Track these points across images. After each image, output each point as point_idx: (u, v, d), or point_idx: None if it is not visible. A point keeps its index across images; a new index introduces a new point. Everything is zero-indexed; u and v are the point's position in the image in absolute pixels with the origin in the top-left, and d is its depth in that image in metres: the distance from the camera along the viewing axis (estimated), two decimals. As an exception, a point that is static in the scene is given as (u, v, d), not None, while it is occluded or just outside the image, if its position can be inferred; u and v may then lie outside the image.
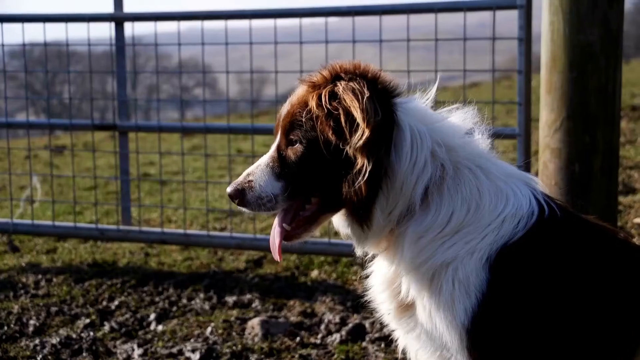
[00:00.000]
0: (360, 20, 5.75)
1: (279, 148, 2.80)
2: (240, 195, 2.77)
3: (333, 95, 2.67)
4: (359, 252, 2.89)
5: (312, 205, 2.81)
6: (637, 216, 6.69)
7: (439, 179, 2.71)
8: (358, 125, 2.60)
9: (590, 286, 2.63)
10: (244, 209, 2.81)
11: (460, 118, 2.87)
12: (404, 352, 3.00)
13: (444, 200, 2.69)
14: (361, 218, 2.69)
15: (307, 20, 6.15)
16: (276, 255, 2.86)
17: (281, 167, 2.77)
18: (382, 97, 2.69)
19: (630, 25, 47.45)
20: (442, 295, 2.65)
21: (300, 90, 2.83)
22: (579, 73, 4.41)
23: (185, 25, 6.55)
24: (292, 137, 2.75)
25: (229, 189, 2.79)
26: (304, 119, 2.71)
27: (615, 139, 4.58)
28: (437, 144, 2.72)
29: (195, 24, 6.33)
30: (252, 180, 2.77)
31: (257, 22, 6.09)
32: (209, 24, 6.49)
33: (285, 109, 2.82)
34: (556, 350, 2.60)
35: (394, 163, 2.67)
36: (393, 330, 2.98)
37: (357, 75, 2.72)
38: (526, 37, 5.15)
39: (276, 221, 2.87)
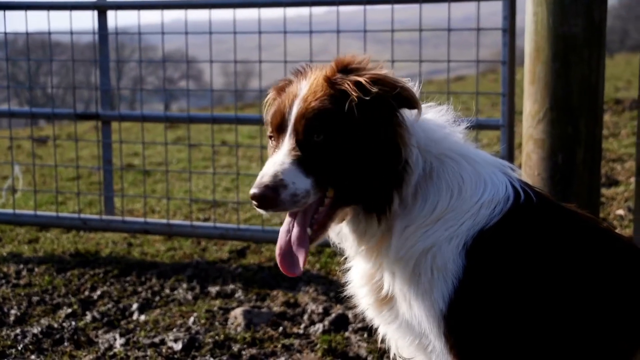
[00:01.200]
0: (346, 13, 5.75)
1: (299, 144, 2.66)
2: (273, 195, 2.59)
3: (375, 82, 2.62)
4: (352, 253, 2.88)
5: (326, 205, 2.73)
6: (620, 208, 6.73)
7: (428, 173, 2.72)
8: (410, 103, 2.65)
9: (563, 270, 2.64)
10: (269, 211, 2.65)
11: (437, 112, 2.89)
12: (383, 342, 3.01)
13: (430, 191, 2.71)
14: (382, 208, 2.68)
15: (292, 13, 6.14)
16: (299, 268, 2.74)
17: (309, 162, 2.64)
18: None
19: (615, 20, 47.69)
20: (421, 283, 2.66)
21: (310, 86, 2.73)
22: (563, 64, 4.41)
23: (170, 16, 6.52)
24: (316, 130, 2.64)
25: (256, 191, 2.60)
26: (334, 111, 2.63)
27: (598, 130, 4.59)
28: (427, 138, 2.75)
29: (181, 15, 6.30)
30: (283, 179, 2.61)
31: (243, 14, 6.08)
32: (194, 16, 6.47)
33: (298, 105, 2.69)
34: (530, 335, 2.61)
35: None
36: (374, 322, 2.99)
37: (367, 67, 2.71)
38: (510, 28, 5.16)
39: (285, 232, 2.77)
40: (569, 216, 2.79)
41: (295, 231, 2.75)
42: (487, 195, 2.70)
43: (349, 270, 3.04)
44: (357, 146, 2.62)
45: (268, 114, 2.84)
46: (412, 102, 2.64)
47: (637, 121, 4.38)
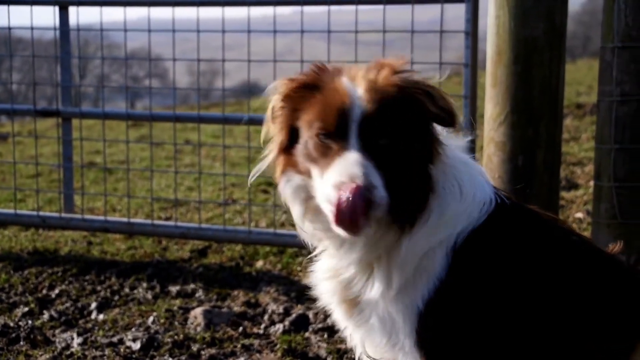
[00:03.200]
0: (314, 14, 5.75)
1: (367, 147, 2.49)
2: (372, 200, 2.41)
3: (442, 98, 2.62)
4: (363, 257, 2.70)
5: None
6: (579, 211, 6.80)
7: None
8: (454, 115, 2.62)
9: (543, 272, 2.67)
10: (359, 223, 2.41)
11: None
12: (344, 342, 2.99)
13: (434, 203, 2.65)
14: (412, 222, 2.60)
15: (259, 13, 6.12)
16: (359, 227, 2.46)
17: (378, 166, 2.47)
18: None
19: (578, 26, 48.26)
20: (407, 282, 2.64)
21: (370, 85, 2.58)
22: (524, 67, 4.44)
23: (137, 14, 6.45)
24: (383, 134, 2.52)
25: (349, 195, 2.37)
26: (400, 116, 2.54)
27: (558, 133, 4.64)
28: None
29: (146, 14, 6.24)
30: (372, 182, 2.42)
31: (209, 13, 6.04)
32: (162, 14, 6.42)
33: (364, 105, 2.53)
34: (506, 335, 2.63)
35: None
36: (337, 323, 2.96)
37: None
38: (472, 31, 5.19)
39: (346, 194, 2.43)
40: (543, 220, 2.82)
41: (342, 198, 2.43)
42: (478, 197, 2.71)
43: (314, 269, 2.97)
44: (411, 155, 2.55)
45: (307, 110, 2.64)
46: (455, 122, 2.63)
47: (596, 125, 4.43)
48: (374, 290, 2.71)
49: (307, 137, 2.61)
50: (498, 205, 2.72)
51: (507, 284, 2.63)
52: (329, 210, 2.47)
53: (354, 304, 2.79)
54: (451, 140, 2.80)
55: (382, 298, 2.69)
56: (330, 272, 2.84)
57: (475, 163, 2.87)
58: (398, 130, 2.53)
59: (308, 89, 2.67)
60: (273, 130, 2.79)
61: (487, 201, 2.70)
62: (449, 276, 2.61)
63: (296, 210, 2.74)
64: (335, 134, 2.53)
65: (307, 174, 2.63)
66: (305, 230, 2.77)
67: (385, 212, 2.48)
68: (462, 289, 2.61)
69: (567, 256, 2.74)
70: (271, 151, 2.81)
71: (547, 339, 2.65)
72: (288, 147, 2.72)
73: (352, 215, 2.37)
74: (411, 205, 2.57)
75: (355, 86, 2.58)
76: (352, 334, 2.90)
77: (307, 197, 2.68)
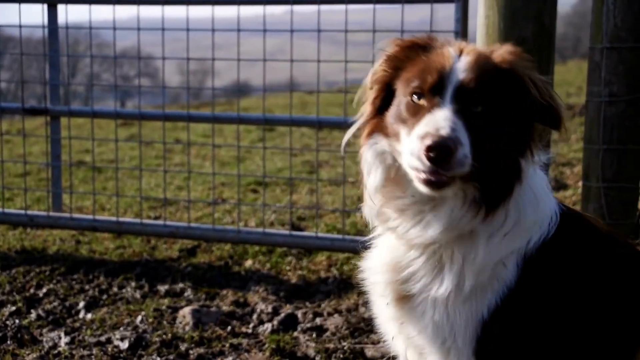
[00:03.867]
0: (305, 14, 5.74)
1: (461, 110, 2.45)
2: (453, 148, 2.36)
3: (547, 89, 2.61)
4: (439, 237, 2.58)
5: None
6: (568, 212, 6.82)
7: None
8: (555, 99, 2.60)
9: (619, 290, 2.67)
10: (439, 169, 2.39)
11: None
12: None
13: (511, 204, 2.59)
14: (496, 204, 2.53)
15: (250, 12, 6.11)
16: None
17: (469, 129, 2.43)
18: None
19: (568, 27, 48.37)
20: (480, 288, 2.58)
21: (474, 57, 2.55)
22: (513, 67, 4.45)
23: (127, 13, 6.44)
24: (478, 101, 2.48)
25: (436, 140, 2.35)
26: (499, 89, 2.51)
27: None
28: None
29: (137, 12, 6.23)
30: (459, 137, 2.38)
31: (198, 13, 6.03)
32: (153, 13, 6.40)
33: (464, 71, 2.51)
34: (567, 353, 2.62)
35: None
36: (379, 313, 2.88)
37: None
38: (462, 31, 5.19)
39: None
40: (598, 229, 2.82)
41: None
42: (549, 207, 2.67)
43: (370, 252, 2.86)
44: (505, 135, 2.50)
45: (408, 69, 2.63)
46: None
47: (585, 126, 4.44)
48: (442, 289, 2.61)
49: (402, 96, 2.59)
50: (562, 217, 2.68)
51: (573, 299, 2.60)
52: (412, 167, 2.44)
53: (407, 300, 2.70)
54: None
55: (448, 299, 2.60)
56: (388, 265, 2.74)
57: (542, 173, 2.80)
58: (496, 104, 2.49)
59: (415, 50, 2.66)
60: (369, 93, 2.75)
61: (555, 212, 2.66)
62: (518, 286, 2.56)
63: (375, 178, 2.65)
64: (431, 93, 2.50)
65: (396, 137, 2.57)
66: (375, 203, 2.67)
67: (468, 175, 2.43)
68: (529, 301, 2.57)
69: (628, 268, 2.73)
70: (363, 113, 2.75)
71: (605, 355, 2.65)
72: (381, 109, 2.68)
73: (436, 161, 2.35)
74: (496, 186, 2.50)
75: (463, 55, 2.58)
76: (397, 334, 2.82)
77: (391, 165, 2.63)
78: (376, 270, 2.79)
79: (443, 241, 2.59)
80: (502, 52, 2.62)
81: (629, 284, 2.70)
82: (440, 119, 2.41)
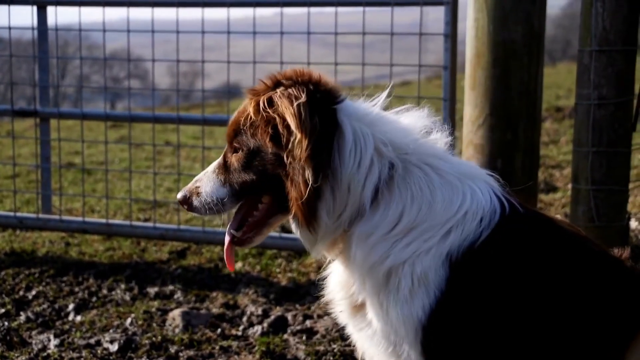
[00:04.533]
0: (294, 16, 5.75)
1: (225, 155, 2.87)
2: (188, 201, 2.87)
3: (270, 102, 2.69)
4: (313, 255, 2.86)
5: (261, 210, 2.84)
6: (557, 214, 6.84)
7: (388, 178, 2.68)
8: (292, 133, 2.61)
9: (557, 289, 2.62)
10: (194, 214, 2.90)
11: (412, 118, 2.85)
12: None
13: (393, 198, 2.66)
14: (307, 222, 2.68)
15: (240, 14, 6.10)
16: (229, 265, 2.93)
17: (226, 173, 2.85)
18: (323, 102, 2.69)
19: (557, 29, 48.50)
20: (400, 291, 2.62)
21: (246, 100, 2.86)
22: (502, 70, 4.48)
23: (117, 14, 6.43)
24: (235, 144, 2.81)
25: (178, 195, 2.90)
26: (244, 127, 2.78)
27: (536, 136, 4.67)
28: (383, 144, 2.69)
29: (126, 14, 6.22)
30: (199, 187, 2.86)
31: (188, 15, 6.02)
32: (142, 15, 6.39)
33: (233, 117, 2.88)
34: (513, 352, 2.60)
35: (338, 166, 2.65)
36: (344, 326, 2.96)
37: (297, 81, 2.71)
38: (452, 33, 5.20)
39: (227, 231, 2.93)
40: (554, 228, 2.77)
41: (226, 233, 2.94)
42: (467, 207, 2.65)
43: (327, 276, 3.00)
44: (262, 164, 2.75)
45: None
46: (292, 131, 2.63)
47: (574, 128, 4.46)
48: (356, 291, 2.78)
49: None
50: (507, 216, 2.67)
51: (512, 303, 2.59)
52: None
53: (357, 308, 2.82)
54: (427, 141, 2.80)
55: (382, 304, 2.68)
56: (341, 284, 2.89)
57: (474, 168, 2.83)
58: (249, 137, 2.79)
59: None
60: None
61: (487, 212, 2.65)
62: (449, 289, 2.57)
63: None
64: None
65: None
66: None
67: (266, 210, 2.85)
68: (463, 301, 2.57)
69: (579, 271, 2.69)
70: None
71: (548, 350, 2.63)
72: None
73: (186, 209, 2.95)
74: (292, 201, 2.69)
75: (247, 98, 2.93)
76: (357, 339, 2.91)
77: None
78: (334, 288, 2.94)
79: (325, 255, 2.88)
80: (262, 85, 2.82)
81: (580, 289, 2.65)
82: (198, 175, 2.93)
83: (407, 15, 5.88)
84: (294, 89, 2.66)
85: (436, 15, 5.57)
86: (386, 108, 2.88)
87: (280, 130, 2.65)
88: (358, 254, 2.68)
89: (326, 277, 3.01)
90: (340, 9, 5.67)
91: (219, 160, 2.88)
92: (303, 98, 2.62)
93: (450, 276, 2.58)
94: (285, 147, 2.65)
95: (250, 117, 2.75)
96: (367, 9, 5.58)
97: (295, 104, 2.61)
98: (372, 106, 2.83)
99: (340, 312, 2.90)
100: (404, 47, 5.59)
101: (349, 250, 2.72)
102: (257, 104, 2.73)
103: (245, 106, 2.82)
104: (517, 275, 2.61)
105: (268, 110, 2.68)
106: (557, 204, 7.19)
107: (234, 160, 2.82)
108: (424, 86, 5.64)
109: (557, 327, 2.61)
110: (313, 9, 5.78)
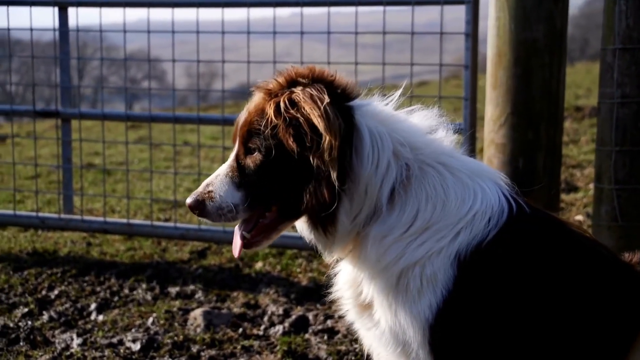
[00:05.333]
0: (310, 17, 5.74)
1: (237, 157, 2.75)
2: (200, 206, 2.73)
3: (292, 103, 2.62)
4: (326, 258, 2.84)
5: (272, 213, 2.76)
6: (579, 214, 6.81)
7: (405, 179, 2.67)
8: (320, 132, 2.56)
9: (563, 290, 2.61)
10: (204, 219, 2.78)
11: (421, 117, 2.83)
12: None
13: (408, 199, 2.65)
14: (325, 225, 2.64)
15: (257, 16, 6.11)
16: (236, 254, 2.84)
17: (240, 176, 2.73)
18: (339, 101, 2.66)
19: (575, 29, 48.30)
20: (409, 291, 2.61)
21: (257, 98, 2.78)
22: (524, 69, 4.45)
23: (133, 16, 6.46)
24: (250, 145, 2.70)
25: (188, 200, 2.75)
26: (262, 128, 2.66)
27: (558, 135, 4.64)
28: (400, 144, 2.68)
29: (144, 15, 6.25)
30: (211, 191, 2.72)
31: (206, 15, 6.05)
32: (157, 16, 6.43)
33: (242, 116, 2.76)
34: (519, 352, 2.59)
35: (356, 167, 2.63)
36: (344, 323, 2.97)
37: (314, 80, 2.68)
38: (473, 32, 5.19)
39: (236, 228, 2.84)
40: (560, 229, 2.75)
41: (235, 232, 2.85)
42: (477, 206, 2.64)
43: (336, 274, 2.98)
44: (282, 167, 2.64)
45: None
46: (318, 132, 2.57)
47: (597, 128, 4.43)
48: (364, 291, 2.77)
49: None
50: (514, 216, 2.66)
51: (518, 303, 2.58)
52: None
53: (365, 307, 2.80)
54: (439, 141, 2.79)
55: (390, 303, 2.68)
56: (349, 282, 2.88)
57: (484, 167, 2.82)
58: (265, 144, 2.69)
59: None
60: None
61: (495, 211, 2.64)
62: (456, 289, 2.57)
63: None
64: (233, 143, 2.84)
65: None
66: None
67: (278, 212, 2.75)
68: (469, 301, 2.57)
69: (585, 271, 2.67)
70: None
71: (553, 350, 2.62)
72: None
73: (196, 214, 2.80)
74: (308, 210, 2.65)
75: (255, 97, 2.84)
76: (365, 338, 2.90)
77: None
78: (342, 287, 2.92)
79: (339, 256, 2.84)
80: (276, 83, 2.75)
81: (585, 290, 2.64)
82: (211, 175, 2.78)
83: (423, 16, 5.86)
84: (313, 89, 2.62)
85: (454, 15, 5.56)
86: (401, 107, 2.88)
87: (307, 131, 2.58)
88: (373, 255, 2.67)
89: (335, 276, 2.99)
90: (356, 10, 5.65)
91: (230, 162, 2.77)
92: (327, 98, 2.59)
93: (458, 276, 2.58)
94: (311, 149, 2.58)
95: (270, 118, 2.64)
96: (385, 9, 5.58)
97: (322, 105, 2.56)
98: (385, 105, 2.82)
99: (348, 310, 2.89)
100: (420, 47, 5.58)
101: (363, 250, 2.71)
102: (278, 105, 2.64)
103: (259, 105, 2.73)
104: (522, 276, 2.60)
105: (291, 111, 2.61)
106: (578, 204, 7.15)
107: (250, 162, 2.71)
108: (441, 86, 5.62)
109: (560, 327, 2.60)
110: (330, 9, 5.77)
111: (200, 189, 2.75)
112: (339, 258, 2.90)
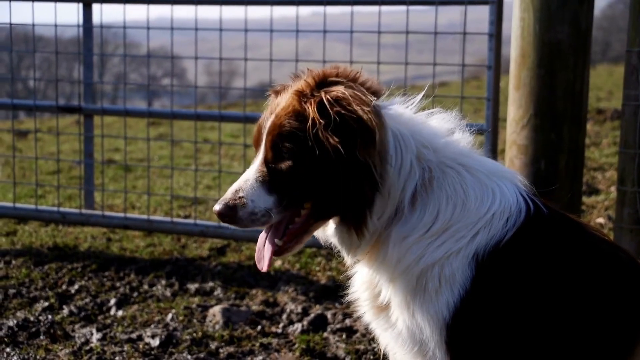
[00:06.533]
0: (331, 16, 5.74)
1: (266, 161, 2.68)
2: (231, 213, 2.64)
3: (336, 101, 2.56)
4: (348, 260, 2.84)
5: (302, 217, 2.73)
6: (600, 216, 6.77)
7: (427, 181, 2.67)
8: (370, 129, 2.53)
9: (579, 291, 2.61)
10: (234, 226, 2.72)
11: (440, 119, 2.83)
12: (362, 342, 2.98)
13: (430, 200, 2.66)
14: (357, 225, 2.64)
15: (277, 15, 6.11)
16: (265, 267, 2.77)
17: (273, 180, 2.65)
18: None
19: (597, 31, 47.98)
20: (427, 291, 2.62)
21: (284, 100, 2.72)
22: (548, 71, 4.42)
23: (153, 14, 6.46)
24: (283, 149, 2.63)
25: (217, 207, 2.66)
26: (297, 128, 2.60)
27: (581, 138, 4.61)
28: (423, 146, 2.68)
29: (164, 13, 6.27)
30: (242, 197, 2.64)
31: (227, 14, 6.06)
32: (179, 14, 6.44)
33: (270, 120, 2.69)
34: (535, 351, 2.59)
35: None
36: (361, 323, 2.97)
37: (346, 78, 2.67)
38: (496, 33, 5.17)
39: (263, 235, 2.79)
40: (578, 230, 2.75)
41: (265, 238, 2.79)
42: (496, 206, 2.65)
43: (352, 275, 2.99)
44: (321, 167, 2.59)
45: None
46: (369, 129, 2.54)
47: (620, 130, 4.40)
48: (382, 292, 2.79)
49: None
50: (531, 217, 2.66)
51: (535, 302, 2.58)
52: None
53: (382, 308, 2.81)
54: (458, 142, 2.79)
55: (408, 303, 2.68)
56: (366, 283, 2.89)
57: (502, 168, 2.82)
58: (299, 146, 2.63)
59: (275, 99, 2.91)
60: None
61: (513, 212, 2.64)
62: (473, 289, 2.58)
63: None
64: (256, 147, 2.78)
65: None
66: None
67: (311, 216, 2.72)
68: (486, 301, 2.57)
69: (600, 272, 2.67)
70: None
71: (567, 349, 2.62)
72: None
73: (225, 222, 2.72)
74: (342, 211, 2.67)
75: (281, 99, 2.79)
76: (382, 338, 2.91)
77: None
78: (359, 288, 2.92)
79: (360, 258, 2.82)
80: (305, 83, 2.70)
81: (600, 292, 2.64)
82: (238, 180, 2.71)
83: (443, 17, 5.84)
84: (351, 89, 2.59)
85: (475, 16, 5.54)
86: (423, 108, 2.88)
87: (354, 128, 2.53)
88: (394, 255, 2.68)
89: (352, 277, 2.99)
90: (375, 9, 5.65)
91: (258, 167, 2.69)
92: (369, 96, 2.58)
93: (476, 276, 2.59)
94: (356, 146, 2.54)
95: (313, 118, 2.57)
96: (404, 9, 5.57)
97: (370, 102, 2.56)
98: (408, 106, 2.82)
99: (364, 312, 2.89)
100: (440, 48, 5.57)
101: (383, 251, 2.71)
102: (321, 104, 2.57)
103: (289, 106, 2.66)
104: (540, 277, 2.60)
105: (337, 108, 2.55)
106: (599, 207, 7.11)
107: (283, 165, 2.63)
108: (461, 87, 5.61)
109: (575, 328, 2.60)
110: (348, 9, 5.76)
111: (229, 195, 2.66)
112: (358, 260, 2.89)
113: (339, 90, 2.59)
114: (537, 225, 2.66)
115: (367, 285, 2.87)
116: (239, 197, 2.64)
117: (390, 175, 2.63)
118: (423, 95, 2.86)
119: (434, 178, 2.68)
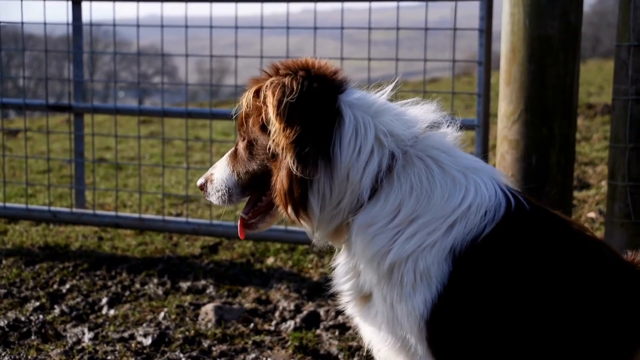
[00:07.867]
0: (322, 13, 5.73)
1: (236, 144, 2.94)
2: (203, 187, 2.97)
3: (257, 93, 2.77)
4: (316, 244, 2.86)
5: (267, 197, 2.85)
6: (591, 211, 6.79)
7: (389, 169, 2.65)
8: (276, 116, 2.66)
9: (561, 287, 2.57)
10: (212, 201, 2.98)
11: (421, 111, 2.81)
12: (355, 339, 2.97)
13: (392, 189, 2.64)
14: (294, 212, 2.71)
15: (267, 12, 6.11)
16: (240, 236, 3.00)
17: (234, 162, 2.91)
18: (321, 91, 2.68)
19: (587, 27, 48.11)
20: (404, 285, 2.59)
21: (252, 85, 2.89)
22: (538, 66, 4.43)
23: (145, 12, 6.45)
24: (242, 133, 2.89)
25: (198, 182, 3.00)
26: (245, 117, 2.85)
27: (572, 132, 4.62)
28: (384, 134, 2.67)
29: (156, 11, 6.25)
30: (213, 173, 2.95)
31: (218, 11, 6.04)
32: (169, 12, 6.43)
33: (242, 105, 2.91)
34: (517, 347, 2.57)
35: (338, 154, 2.64)
36: (352, 319, 2.95)
37: (295, 70, 2.72)
38: (487, 29, 5.17)
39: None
40: (561, 226, 2.72)
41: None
42: (470, 200, 2.62)
43: (335, 266, 2.96)
44: (256, 153, 2.82)
45: None
46: (277, 117, 2.66)
47: (611, 124, 4.41)
48: (360, 283, 2.77)
49: None
50: (511, 212, 2.63)
51: (515, 299, 2.55)
52: None
53: (365, 299, 2.79)
54: (433, 134, 2.77)
55: (386, 295, 2.66)
56: (348, 272, 2.85)
57: (480, 163, 2.78)
58: (247, 125, 2.86)
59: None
60: None
61: (490, 207, 2.61)
62: (451, 284, 2.55)
63: None
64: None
65: None
66: None
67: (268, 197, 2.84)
68: (465, 297, 2.54)
69: (585, 269, 2.62)
70: None
71: (549, 349, 2.58)
72: None
73: (205, 194, 3.00)
74: (276, 191, 2.73)
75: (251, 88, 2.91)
76: (364, 331, 2.89)
77: None
78: (341, 279, 2.89)
79: (335, 245, 2.89)
80: (265, 74, 2.86)
81: (583, 288, 2.59)
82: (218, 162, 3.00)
83: (434, 13, 5.84)
84: (287, 79, 2.68)
85: (465, 12, 5.55)
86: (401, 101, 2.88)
87: (265, 119, 2.71)
88: (358, 244, 2.67)
89: (335, 268, 2.96)
90: (366, 6, 5.64)
91: (232, 148, 2.96)
92: (290, 87, 2.65)
93: (453, 271, 2.56)
94: (270, 136, 2.68)
95: (247, 107, 2.82)
96: (395, 6, 5.56)
97: (277, 93, 2.65)
98: (378, 97, 2.82)
99: (347, 302, 2.87)
100: (431, 44, 5.57)
101: (349, 239, 2.72)
102: (247, 95, 2.82)
103: (248, 93, 2.86)
104: (520, 273, 2.56)
105: (254, 100, 2.78)
106: (590, 201, 7.12)
107: (240, 148, 2.89)
108: (452, 83, 5.62)
109: (557, 326, 2.56)
110: (338, 6, 5.75)
111: (208, 171, 2.99)
112: (337, 247, 2.90)
113: (268, 81, 2.73)
114: (518, 220, 2.63)
115: (349, 275, 2.84)
116: (211, 174, 2.97)
117: (346, 161, 2.64)
118: (393, 87, 2.87)
119: (398, 167, 2.66)
